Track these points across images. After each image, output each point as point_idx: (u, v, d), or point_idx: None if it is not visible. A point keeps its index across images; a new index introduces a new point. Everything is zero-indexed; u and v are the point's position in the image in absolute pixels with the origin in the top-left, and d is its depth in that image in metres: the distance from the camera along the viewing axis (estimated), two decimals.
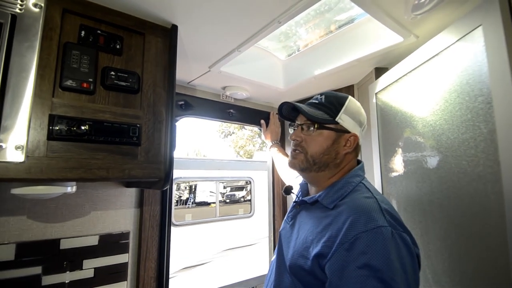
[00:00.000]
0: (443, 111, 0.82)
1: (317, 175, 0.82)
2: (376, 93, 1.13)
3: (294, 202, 0.90)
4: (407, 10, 0.86)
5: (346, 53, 1.18)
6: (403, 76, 0.97)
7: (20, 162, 0.64)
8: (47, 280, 1.01)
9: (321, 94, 0.85)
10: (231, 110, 1.54)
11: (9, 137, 0.63)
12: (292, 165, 0.84)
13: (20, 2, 0.68)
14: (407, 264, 0.60)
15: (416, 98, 0.93)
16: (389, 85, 1.04)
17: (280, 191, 1.70)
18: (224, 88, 1.47)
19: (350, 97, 0.84)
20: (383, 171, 1.11)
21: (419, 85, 0.91)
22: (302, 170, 0.83)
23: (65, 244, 1.05)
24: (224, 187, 5.56)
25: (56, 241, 1.03)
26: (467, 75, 0.73)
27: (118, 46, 0.82)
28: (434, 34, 0.85)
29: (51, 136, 0.68)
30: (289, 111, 0.90)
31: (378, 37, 1.07)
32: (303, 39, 1.30)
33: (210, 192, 5.01)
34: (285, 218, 0.92)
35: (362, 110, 0.86)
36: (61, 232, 1.05)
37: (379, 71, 1.18)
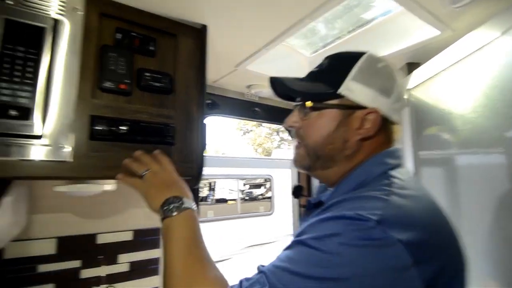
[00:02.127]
0: (484, 107, 0.78)
1: (324, 174, 0.62)
2: (408, 89, 1.09)
3: (304, 206, 0.75)
4: (445, 3, 0.82)
5: (376, 48, 1.14)
6: (441, 71, 0.93)
7: (65, 161, 0.68)
8: (85, 273, 1.06)
9: (326, 57, 0.64)
10: (256, 108, 1.54)
11: (54, 137, 0.67)
12: (295, 163, 0.66)
13: (61, 7, 0.71)
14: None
15: (454, 94, 0.89)
16: (424, 81, 1.00)
17: (306, 186, 1.69)
18: (248, 86, 1.48)
19: (367, 53, 0.60)
20: (418, 171, 1.08)
21: (457, 80, 0.88)
22: (305, 169, 0.64)
23: (101, 239, 1.10)
24: (244, 185, 5.60)
25: (93, 236, 1.08)
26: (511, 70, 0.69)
27: (151, 48, 0.84)
28: (472, 27, 0.81)
29: (93, 136, 0.71)
30: (280, 87, 0.65)
31: (411, 31, 1.03)
32: (330, 35, 1.28)
33: (229, 189, 5.06)
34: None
35: (391, 70, 0.60)
36: (98, 227, 1.10)
37: (411, 66, 1.14)
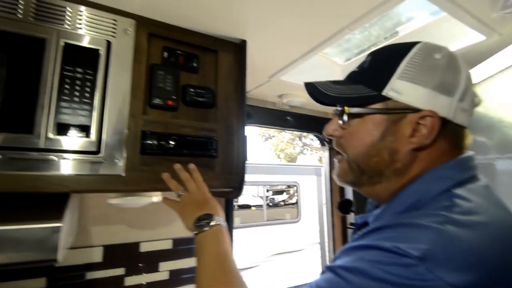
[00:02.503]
0: None
1: (373, 191, 0.53)
2: None
3: (353, 225, 0.69)
4: (494, 8, 0.79)
5: None
6: (488, 77, 0.89)
7: (118, 175, 0.71)
8: (129, 280, 1.10)
9: (369, 54, 0.55)
10: (288, 117, 1.54)
11: (108, 152, 0.71)
12: (338, 177, 0.57)
13: (113, 30, 0.76)
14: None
15: (504, 101, 0.84)
16: None
17: (338, 196, 1.66)
18: (280, 95, 1.48)
19: (420, 43, 0.50)
20: None
21: (508, 87, 0.83)
22: (351, 185, 0.56)
23: (144, 247, 1.13)
24: (267, 190, 5.58)
25: (137, 244, 1.13)
26: None
27: (195, 64, 0.87)
28: None
29: (144, 150, 0.74)
30: (314, 93, 0.57)
31: (453, 36, 1.00)
32: (365, 42, 1.26)
33: (252, 195, 5.06)
34: None
35: (454, 61, 0.49)
36: (141, 236, 1.14)
37: None
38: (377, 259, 0.37)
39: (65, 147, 0.66)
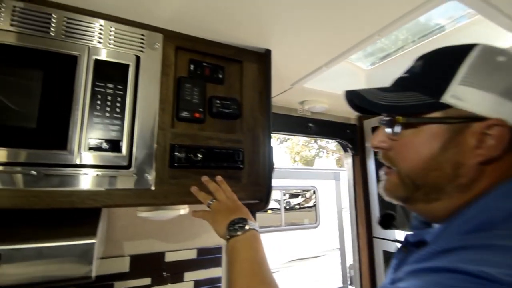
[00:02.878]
0: None
1: (429, 208, 0.47)
2: None
3: (400, 242, 0.57)
4: None
5: None
6: None
7: (149, 189, 0.72)
8: None
9: (419, 58, 0.50)
10: (310, 124, 1.52)
11: (139, 166, 0.71)
12: (386, 192, 0.52)
13: (141, 44, 0.76)
14: None
15: None
16: None
17: (362, 204, 1.61)
18: (302, 102, 1.46)
19: (480, 45, 0.45)
20: None
21: None
22: (401, 201, 0.50)
23: (169, 257, 1.14)
24: (284, 194, 5.54)
25: (162, 254, 1.13)
26: None
27: (220, 76, 0.87)
28: None
29: (173, 164, 0.74)
30: (359, 102, 0.51)
31: (487, 39, 0.95)
32: (391, 45, 1.23)
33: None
34: (389, 266, 0.55)
35: None
36: (166, 246, 1.14)
37: None
38: (460, 285, 0.33)
39: (97, 162, 0.67)
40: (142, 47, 0.76)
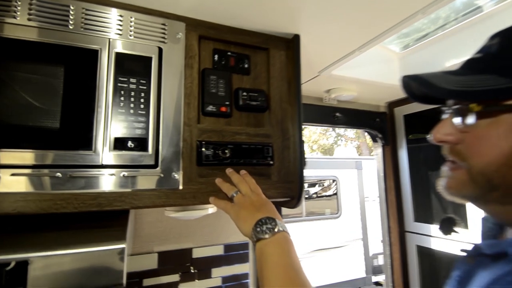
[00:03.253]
0: None
1: (504, 211, 0.42)
2: None
3: (465, 251, 0.48)
4: None
5: None
6: None
7: (177, 189, 0.68)
8: (183, 287, 1.09)
9: (494, 36, 0.43)
10: (337, 113, 1.43)
11: (166, 165, 0.67)
12: (449, 190, 0.45)
13: (163, 34, 0.71)
14: None
15: None
16: None
17: (393, 197, 1.53)
18: (328, 90, 1.38)
19: None
20: None
21: None
22: (468, 199, 0.45)
23: (196, 253, 1.12)
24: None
25: (189, 250, 1.11)
26: None
27: (246, 66, 0.81)
28: None
29: (200, 162, 0.70)
30: (422, 87, 0.45)
31: None
32: (428, 25, 1.11)
33: None
34: (450, 278, 0.48)
35: None
36: (193, 242, 1.12)
37: None
38: None
39: (123, 162, 0.64)
40: (164, 38, 0.71)
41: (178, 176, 0.68)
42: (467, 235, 1.22)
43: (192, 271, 1.11)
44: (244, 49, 0.81)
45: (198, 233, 1.13)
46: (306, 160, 0.81)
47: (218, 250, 1.16)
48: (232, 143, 0.74)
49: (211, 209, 0.83)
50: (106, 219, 0.66)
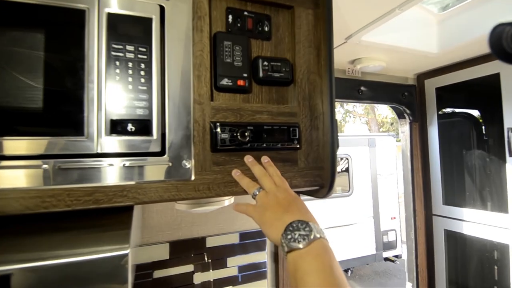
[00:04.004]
0: None
1: None
2: None
3: None
4: None
5: None
6: None
7: (189, 180, 0.57)
8: (198, 278, 1.02)
9: None
10: (362, 88, 1.28)
11: (175, 152, 0.56)
12: None
13: None
14: None
15: None
16: None
17: (420, 178, 1.40)
18: (353, 61, 1.22)
19: None
20: None
21: None
22: None
23: (210, 242, 1.04)
24: None
25: (203, 239, 1.03)
26: None
27: (266, 29, 0.66)
28: None
29: (215, 147, 0.58)
30: None
31: None
32: None
33: None
34: None
35: None
36: (206, 230, 1.04)
37: None
38: None
39: (123, 149, 0.52)
40: None
41: (190, 164, 0.57)
42: (508, 220, 1.10)
43: (207, 261, 1.03)
44: (263, 7, 0.67)
45: (211, 221, 1.04)
46: (338, 142, 0.69)
47: (233, 239, 1.07)
48: (251, 123, 0.61)
49: (227, 200, 0.72)
50: (106, 216, 0.55)
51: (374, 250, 4.43)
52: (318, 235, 0.49)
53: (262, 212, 0.57)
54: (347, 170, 4.37)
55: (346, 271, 4.52)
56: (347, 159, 4.30)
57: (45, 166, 0.48)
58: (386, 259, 4.75)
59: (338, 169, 4.53)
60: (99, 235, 0.51)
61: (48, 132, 0.49)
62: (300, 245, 0.48)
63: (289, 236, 0.49)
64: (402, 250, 4.80)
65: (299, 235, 0.49)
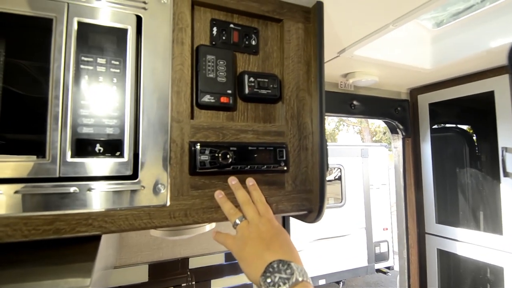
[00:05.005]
0: None
1: None
2: None
3: None
4: None
5: None
6: None
7: (163, 206, 0.52)
8: None
9: None
10: (354, 102, 1.25)
11: (148, 175, 0.51)
12: None
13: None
14: None
15: None
16: None
17: (413, 195, 1.37)
18: (345, 75, 1.19)
19: None
20: None
21: None
22: None
23: (193, 263, 0.98)
24: None
25: (185, 260, 0.97)
26: None
27: (253, 42, 0.63)
28: None
29: (194, 170, 0.53)
30: None
31: None
32: None
33: None
34: None
35: None
36: (189, 250, 0.98)
37: None
38: None
39: (89, 173, 0.47)
40: (144, 2, 0.53)
41: (165, 189, 0.52)
42: (502, 242, 1.07)
43: (190, 283, 0.97)
44: (251, 20, 0.63)
45: (194, 241, 0.98)
46: (328, 163, 0.65)
47: (219, 259, 1.02)
48: (235, 143, 0.57)
49: (208, 226, 0.67)
50: (70, 245, 0.50)
51: (366, 262, 4.38)
52: (300, 279, 0.44)
53: (241, 246, 0.52)
54: (339, 178, 4.34)
55: (338, 283, 4.45)
56: (339, 169, 4.27)
57: (0, 192, 0.43)
58: (378, 270, 4.70)
59: (331, 177, 4.51)
60: (58, 268, 0.45)
61: (3, 154, 0.43)
62: None
63: (268, 280, 0.45)
64: (394, 261, 4.77)
65: (280, 278, 0.45)
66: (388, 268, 4.79)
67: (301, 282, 0.44)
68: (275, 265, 0.46)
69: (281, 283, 0.44)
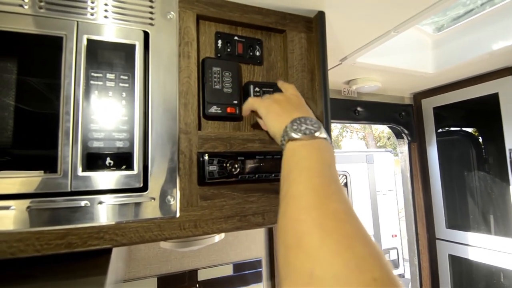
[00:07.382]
0: None
1: None
2: None
3: None
4: None
5: None
6: None
7: (173, 217, 0.52)
8: None
9: None
10: (358, 108, 1.26)
11: (158, 187, 0.51)
12: None
13: (150, 14, 0.54)
14: None
15: None
16: None
17: (421, 200, 1.35)
18: (348, 82, 1.20)
19: None
20: None
21: None
22: None
23: (202, 275, 0.97)
24: None
25: (194, 272, 0.96)
26: None
27: (258, 53, 0.64)
28: None
29: (203, 180, 0.54)
30: None
31: None
32: (470, 2, 0.93)
33: None
34: None
35: None
36: (198, 262, 0.97)
37: None
38: None
39: (100, 186, 0.48)
40: (151, 19, 0.54)
41: (174, 200, 0.52)
42: None
43: None
44: (255, 32, 0.64)
45: (203, 252, 0.98)
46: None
47: (227, 270, 1.01)
48: (243, 153, 0.57)
49: (217, 236, 0.67)
50: (82, 260, 0.50)
51: None
52: (324, 136, 0.44)
53: (269, 103, 0.52)
54: (345, 185, 4.30)
55: None
56: (345, 176, 4.24)
57: (12, 206, 0.44)
58: None
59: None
60: (70, 282, 0.45)
61: (16, 169, 0.44)
62: (305, 136, 0.43)
63: (294, 127, 0.44)
64: (404, 269, 4.66)
65: (306, 127, 0.44)
66: (399, 276, 4.70)
67: (324, 139, 0.43)
68: (303, 119, 0.45)
69: (307, 132, 0.43)
